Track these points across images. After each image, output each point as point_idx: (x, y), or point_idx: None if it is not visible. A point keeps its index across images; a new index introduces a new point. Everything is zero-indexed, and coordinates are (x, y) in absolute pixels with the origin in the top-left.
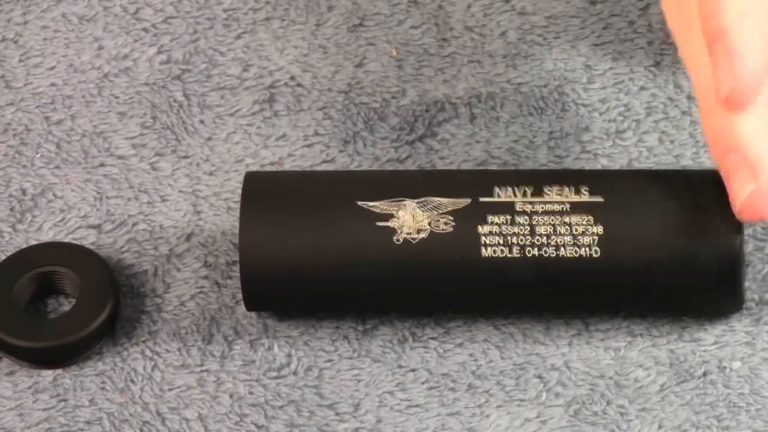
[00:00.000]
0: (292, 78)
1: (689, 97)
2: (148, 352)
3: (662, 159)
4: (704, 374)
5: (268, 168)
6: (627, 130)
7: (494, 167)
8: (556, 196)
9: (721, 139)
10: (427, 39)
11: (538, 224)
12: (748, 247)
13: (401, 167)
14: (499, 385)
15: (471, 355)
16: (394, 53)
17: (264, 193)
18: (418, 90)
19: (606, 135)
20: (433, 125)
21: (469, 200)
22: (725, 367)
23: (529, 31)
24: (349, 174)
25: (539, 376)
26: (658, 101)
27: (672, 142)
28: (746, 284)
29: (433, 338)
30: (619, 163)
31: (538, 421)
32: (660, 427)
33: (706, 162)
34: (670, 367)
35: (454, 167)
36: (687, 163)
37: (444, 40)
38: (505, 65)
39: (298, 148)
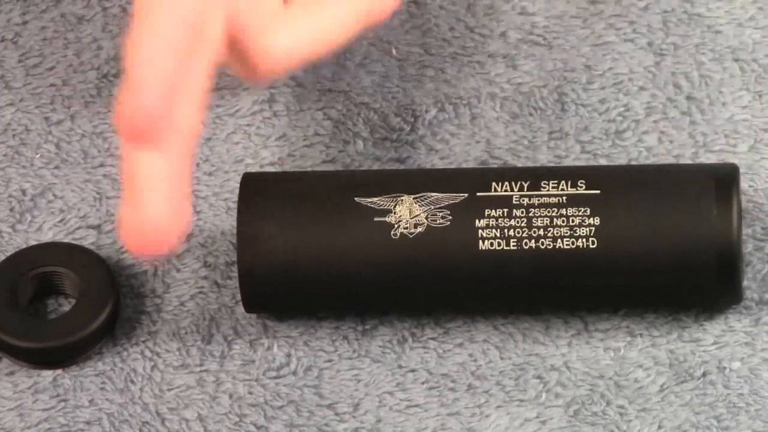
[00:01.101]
0: (292, 78)
1: (689, 98)
2: (147, 353)
3: (662, 159)
4: (704, 374)
5: (268, 168)
6: (626, 130)
7: (494, 167)
8: (552, 189)
9: (125, 165)
10: (427, 39)
11: (535, 217)
12: (748, 247)
13: (401, 167)
14: (498, 385)
15: (470, 355)
16: (394, 53)
17: (260, 194)
18: (418, 90)
19: (605, 135)
20: (433, 125)
21: (466, 195)
22: (725, 368)
23: (529, 31)
24: (346, 172)
25: (539, 377)
26: (657, 101)
27: (671, 142)
28: (746, 284)
29: (432, 338)
30: (618, 163)
31: (537, 422)
32: (660, 427)
33: (705, 162)
34: (669, 368)
35: (454, 167)
36: (686, 163)
37: (444, 40)
38: (504, 65)
39: (298, 149)
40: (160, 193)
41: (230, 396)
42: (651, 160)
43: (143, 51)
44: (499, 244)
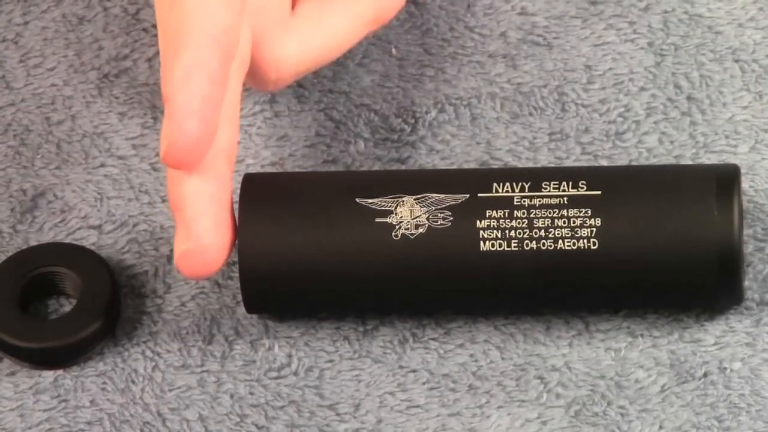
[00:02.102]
0: None
1: (689, 98)
2: (148, 353)
3: (662, 160)
4: (705, 375)
5: (269, 169)
6: (627, 131)
7: (495, 168)
8: (553, 190)
9: (171, 194)
10: (427, 39)
11: (537, 218)
12: (748, 247)
13: (402, 168)
14: (499, 385)
15: (471, 355)
16: (394, 52)
17: (261, 194)
18: (419, 90)
19: (606, 136)
20: (434, 126)
21: (467, 196)
22: (726, 368)
23: (530, 31)
24: (347, 173)
25: (540, 377)
26: (658, 102)
27: (672, 142)
28: (746, 284)
29: (433, 339)
30: (619, 164)
31: (538, 422)
32: (661, 427)
33: (705, 162)
34: (670, 368)
35: (455, 168)
36: (687, 163)
37: (444, 40)
38: (505, 65)
39: (299, 149)
40: (209, 216)
41: (231, 396)
42: (651, 161)
43: (180, 76)
44: (500, 245)
